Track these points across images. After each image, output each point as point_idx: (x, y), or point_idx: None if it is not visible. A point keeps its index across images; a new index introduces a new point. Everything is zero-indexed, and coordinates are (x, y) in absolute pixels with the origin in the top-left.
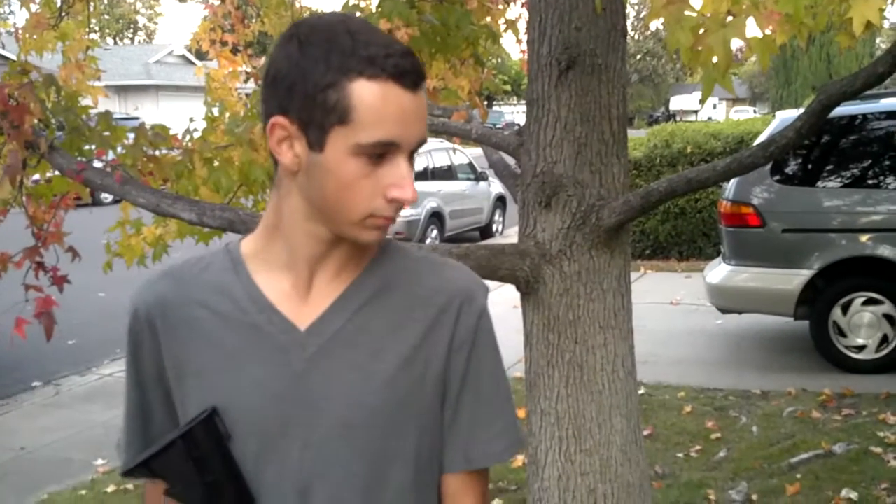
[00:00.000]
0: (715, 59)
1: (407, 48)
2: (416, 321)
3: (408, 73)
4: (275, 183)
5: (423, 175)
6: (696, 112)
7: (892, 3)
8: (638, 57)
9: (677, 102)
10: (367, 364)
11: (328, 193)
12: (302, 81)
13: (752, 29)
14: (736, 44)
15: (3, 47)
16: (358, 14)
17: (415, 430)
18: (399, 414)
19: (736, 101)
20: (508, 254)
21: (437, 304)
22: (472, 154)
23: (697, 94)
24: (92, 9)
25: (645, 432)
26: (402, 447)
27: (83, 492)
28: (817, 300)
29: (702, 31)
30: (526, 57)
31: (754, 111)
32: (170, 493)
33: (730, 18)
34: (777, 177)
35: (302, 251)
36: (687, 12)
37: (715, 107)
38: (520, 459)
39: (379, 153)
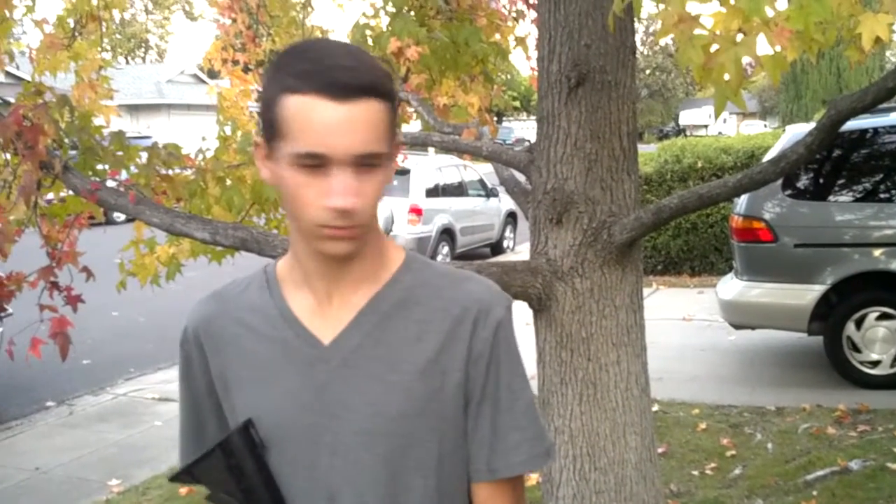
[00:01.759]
0: (727, 77)
1: (353, 65)
2: (433, 333)
3: (335, 86)
4: None
5: (434, 192)
6: (706, 126)
7: None
8: (647, 72)
9: (687, 117)
10: (385, 375)
11: (286, 205)
12: (262, 102)
13: (763, 45)
14: (746, 60)
15: (18, 68)
16: (368, 33)
17: (435, 439)
18: (419, 423)
19: (746, 115)
20: (520, 271)
21: (453, 315)
22: (483, 170)
23: (707, 109)
24: (104, 28)
25: (659, 450)
26: (423, 455)
27: None
28: (831, 315)
29: (713, 48)
30: (535, 73)
31: (764, 125)
32: (210, 499)
33: (740, 36)
34: (788, 191)
35: (309, 267)
36: (697, 31)
37: (725, 121)
38: (534, 478)
39: (312, 164)
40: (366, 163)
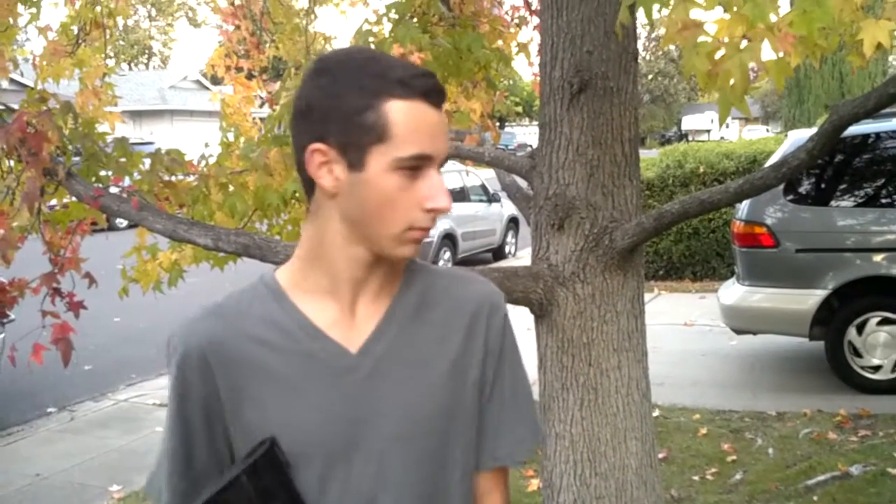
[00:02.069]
0: (732, 83)
1: (428, 70)
2: (454, 332)
3: (433, 92)
4: (311, 212)
5: None
6: (708, 132)
7: None
8: (650, 77)
9: (689, 122)
10: (416, 377)
11: (370, 210)
12: (337, 108)
13: (767, 51)
14: (750, 66)
15: (22, 74)
16: (371, 39)
17: (462, 436)
18: (449, 422)
19: (748, 120)
20: (522, 276)
21: (469, 312)
22: (485, 176)
23: (709, 114)
24: (108, 35)
25: (660, 455)
26: (453, 453)
27: None
28: (832, 320)
29: (718, 55)
30: (538, 79)
31: (767, 130)
32: None
33: (745, 42)
34: (790, 196)
35: (344, 275)
36: (701, 38)
37: (727, 126)
38: (535, 483)
39: (414, 167)
40: (443, 164)
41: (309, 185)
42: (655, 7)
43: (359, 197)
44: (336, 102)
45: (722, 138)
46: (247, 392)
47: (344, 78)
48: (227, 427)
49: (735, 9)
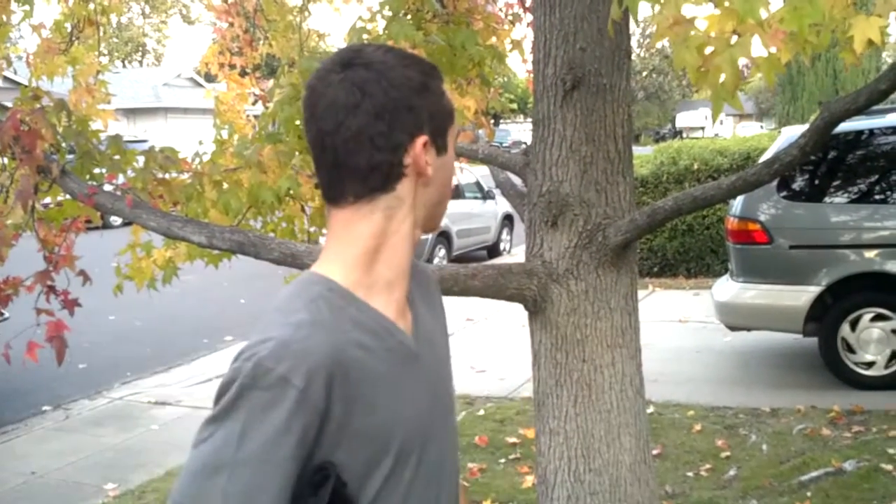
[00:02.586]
0: (723, 79)
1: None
2: (437, 306)
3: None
4: (370, 208)
5: None
6: (702, 128)
7: None
8: (644, 74)
9: (684, 119)
10: (442, 353)
11: (446, 189)
12: (420, 98)
13: (758, 47)
14: (742, 62)
15: (15, 72)
16: (365, 36)
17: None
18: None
19: (742, 116)
20: (516, 273)
21: (432, 283)
22: (479, 173)
23: (704, 111)
24: (101, 33)
25: (654, 451)
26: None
27: None
28: (826, 316)
29: (708, 50)
30: (532, 77)
31: (761, 127)
32: None
33: (735, 38)
34: (784, 193)
35: (407, 263)
36: (693, 32)
37: (721, 123)
38: (530, 480)
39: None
40: None
41: (384, 181)
42: (644, 4)
43: (442, 178)
44: (413, 95)
45: (716, 135)
46: (359, 399)
47: (405, 71)
48: (315, 450)
49: (726, 4)
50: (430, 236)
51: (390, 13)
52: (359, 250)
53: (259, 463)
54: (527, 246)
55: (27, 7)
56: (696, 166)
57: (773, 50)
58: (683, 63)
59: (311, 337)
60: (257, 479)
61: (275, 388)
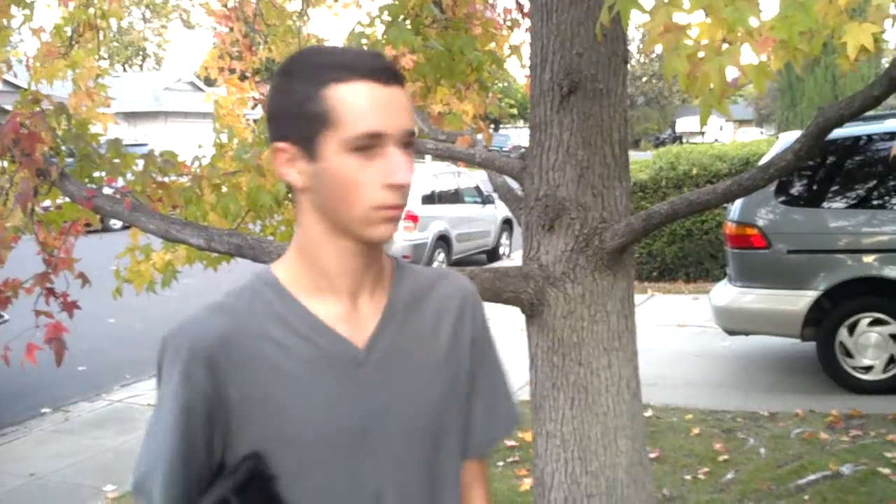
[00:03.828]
0: (711, 86)
1: (377, 52)
2: (445, 324)
3: (378, 70)
4: (297, 212)
5: (430, 199)
6: (702, 134)
7: (894, 25)
8: (644, 79)
9: (683, 124)
10: (417, 371)
11: (336, 196)
12: (287, 104)
13: (750, 55)
14: (734, 70)
15: (15, 76)
16: (364, 41)
17: (457, 427)
18: (447, 413)
19: (742, 122)
20: (512, 276)
21: (456, 305)
22: (479, 177)
23: None
24: (102, 37)
25: (653, 455)
26: (452, 442)
27: None
28: (823, 321)
29: (700, 56)
30: (529, 81)
31: (761, 132)
32: None
33: (726, 46)
34: (782, 198)
35: (336, 269)
36: (684, 41)
37: (721, 128)
38: (528, 483)
39: (367, 145)
40: (409, 141)
41: (289, 186)
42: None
43: (323, 186)
44: (286, 99)
45: (716, 140)
46: (260, 391)
47: (292, 75)
48: (227, 431)
49: (717, 12)
50: (428, 240)
51: (389, 18)
52: (295, 252)
53: (162, 430)
54: (524, 249)
55: (27, 11)
56: (694, 171)
57: (764, 58)
58: (674, 70)
59: (208, 319)
60: (159, 445)
61: (169, 360)
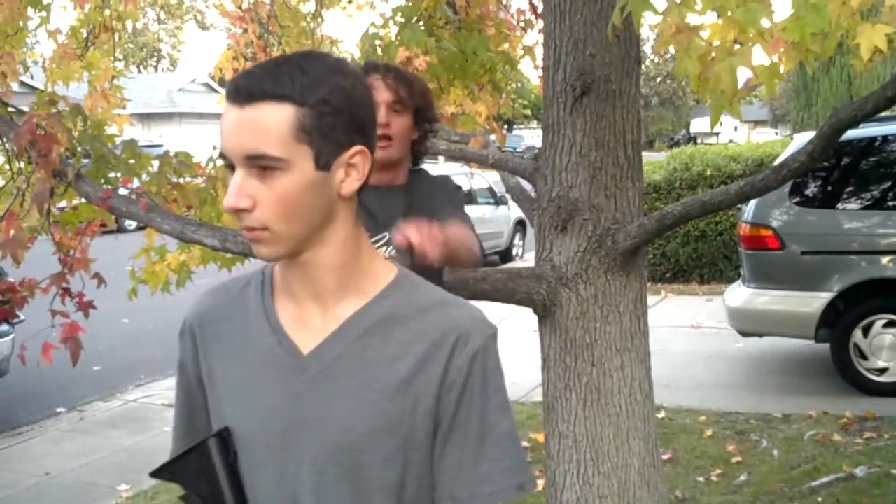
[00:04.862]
0: (722, 88)
1: (252, 70)
2: (410, 354)
3: (233, 91)
4: None
5: None
6: (717, 134)
7: None
8: (658, 80)
9: (698, 125)
10: (359, 392)
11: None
12: None
13: (762, 56)
14: (746, 71)
15: (32, 77)
16: (377, 43)
17: (400, 461)
18: (386, 443)
19: (757, 123)
20: (525, 277)
21: (431, 339)
22: (492, 178)
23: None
24: (117, 38)
25: (665, 456)
26: (387, 475)
27: None
28: (838, 323)
29: (711, 57)
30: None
31: (776, 133)
32: (183, 499)
33: (737, 47)
34: (796, 199)
35: (286, 274)
36: (696, 41)
37: (736, 129)
38: (541, 484)
39: (228, 165)
40: (260, 165)
41: None
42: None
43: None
44: None
45: (731, 141)
46: (215, 369)
47: None
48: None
49: (729, 13)
50: None
51: (403, 19)
52: None
53: (176, 384)
54: (536, 250)
55: (44, 13)
56: (709, 172)
57: (775, 59)
58: (686, 71)
59: (202, 298)
60: (176, 395)
61: (181, 325)
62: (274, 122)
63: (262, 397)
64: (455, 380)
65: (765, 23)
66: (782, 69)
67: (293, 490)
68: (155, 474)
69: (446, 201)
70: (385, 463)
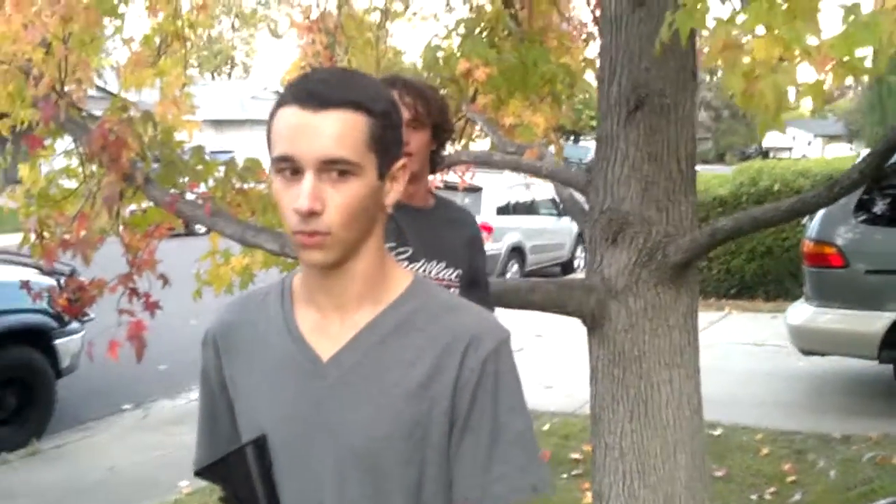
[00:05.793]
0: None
1: (332, 80)
2: (425, 359)
3: (307, 96)
4: None
5: (505, 210)
6: (790, 149)
7: None
8: (730, 93)
9: (771, 139)
10: (377, 397)
11: (280, 214)
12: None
13: (809, 72)
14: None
15: (106, 83)
16: (439, 54)
17: (418, 462)
18: (404, 446)
19: (832, 138)
20: (575, 289)
21: (444, 343)
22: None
23: (791, 131)
24: (189, 46)
25: (719, 473)
26: (406, 476)
27: None
28: None
29: (756, 74)
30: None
31: (850, 148)
32: (223, 500)
33: (784, 63)
34: (861, 216)
35: (310, 281)
36: (742, 58)
37: (810, 143)
38: (590, 496)
39: (286, 168)
40: (335, 169)
41: None
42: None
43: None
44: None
45: (803, 156)
46: (240, 377)
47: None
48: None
49: (776, 31)
50: (501, 251)
51: (465, 31)
52: None
53: (200, 392)
54: (587, 262)
55: (119, 22)
56: (776, 187)
57: (823, 76)
58: (732, 87)
59: (226, 307)
60: (200, 402)
61: (203, 335)
62: (352, 128)
63: (283, 403)
64: (468, 381)
65: (812, 41)
66: (828, 86)
67: (318, 495)
68: (198, 474)
69: (482, 259)
70: (404, 465)
